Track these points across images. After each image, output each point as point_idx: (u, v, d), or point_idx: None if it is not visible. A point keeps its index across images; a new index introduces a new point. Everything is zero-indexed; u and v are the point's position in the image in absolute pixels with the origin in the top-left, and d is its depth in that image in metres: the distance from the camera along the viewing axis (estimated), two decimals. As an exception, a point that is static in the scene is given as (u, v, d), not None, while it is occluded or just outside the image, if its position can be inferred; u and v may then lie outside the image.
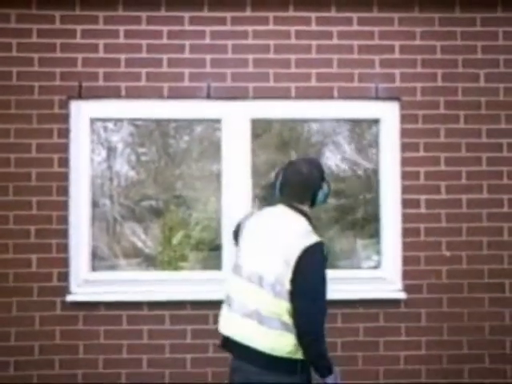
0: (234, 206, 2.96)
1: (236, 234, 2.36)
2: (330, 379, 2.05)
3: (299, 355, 2.03)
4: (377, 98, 3.02)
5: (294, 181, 2.16)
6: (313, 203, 2.19)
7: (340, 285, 2.97)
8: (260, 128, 3.08)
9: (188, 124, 3.12)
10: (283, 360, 2.02)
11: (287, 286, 1.99)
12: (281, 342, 2.01)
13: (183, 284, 2.95)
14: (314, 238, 2.04)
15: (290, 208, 2.16)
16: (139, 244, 3.11)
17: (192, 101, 2.99)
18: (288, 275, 1.98)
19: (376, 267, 3.08)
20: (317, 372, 2.06)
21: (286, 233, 2.08)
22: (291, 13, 3.02)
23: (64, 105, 2.96)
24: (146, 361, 2.91)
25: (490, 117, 3.03)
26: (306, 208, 2.18)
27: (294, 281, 1.98)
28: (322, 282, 2.01)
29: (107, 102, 2.98)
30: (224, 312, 2.20)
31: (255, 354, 2.02)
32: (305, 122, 3.14)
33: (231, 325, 2.13)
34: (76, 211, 2.95)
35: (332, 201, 3.14)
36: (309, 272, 1.99)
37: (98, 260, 3.03)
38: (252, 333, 2.04)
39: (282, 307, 2.00)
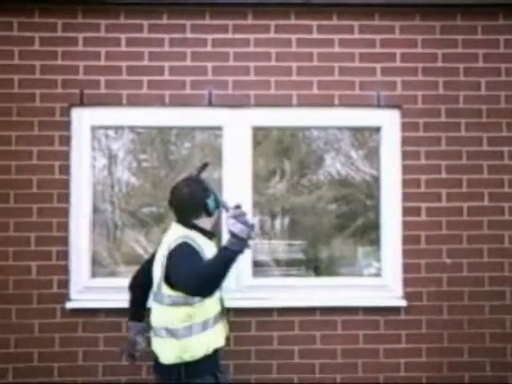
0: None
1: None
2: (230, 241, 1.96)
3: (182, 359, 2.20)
4: (378, 105, 3.03)
5: (181, 202, 2.32)
6: (208, 212, 2.32)
7: (340, 292, 2.98)
8: (261, 135, 3.08)
9: (189, 131, 3.12)
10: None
11: (164, 287, 2.19)
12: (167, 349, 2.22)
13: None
14: (178, 242, 2.19)
15: (178, 223, 2.34)
16: (140, 251, 3.11)
17: (193, 108, 3.00)
18: (162, 278, 2.19)
19: (376, 274, 3.08)
20: (237, 253, 1.97)
21: (163, 247, 2.27)
22: (292, 21, 3.03)
23: (65, 112, 2.96)
24: (145, 368, 2.91)
25: (491, 125, 3.04)
26: (201, 220, 2.33)
27: (169, 277, 2.16)
28: (185, 266, 2.08)
29: (108, 109, 2.98)
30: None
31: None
32: (306, 129, 3.15)
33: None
34: (76, 218, 2.96)
35: (333, 208, 3.15)
36: (174, 265, 2.13)
37: (98, 267, 3.03)
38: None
39: (163, 313, 2.21)
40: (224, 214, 2.22)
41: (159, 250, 2.32)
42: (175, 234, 2.28)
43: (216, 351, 2.29)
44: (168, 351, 2.21)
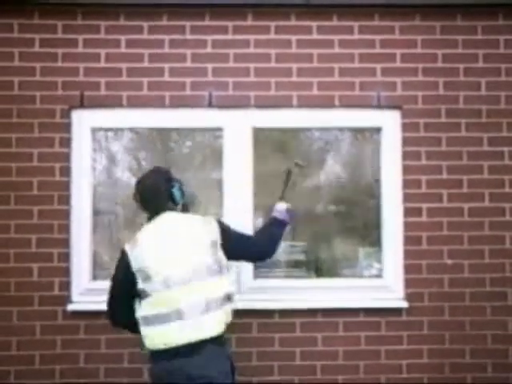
0: (235, 214, 2.96)
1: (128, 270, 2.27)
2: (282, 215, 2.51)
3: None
4: (378, 106, 3.02)
5: (146, 196, 2.33)
6: (174, 202, 2.35)
7: (342, 293, 2.98)
8: (261, 136, 3.08)
9: (190, 133, 3.12)
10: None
11: (223, 259, 2.27)
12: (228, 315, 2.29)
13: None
14: (211, 217, 2.39)
15: (174, 212, 2.35)
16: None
17: (194, 110, 3.00)
18: (219, 250, 2.27)
19: (378, 276, 3.08)
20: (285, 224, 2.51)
21: (191, 227, 2.29)
22: (293, 22, 3.03)
23: (66, 114, 2.96)
24: (146, 370, 2.89)
25: (491, 125, 3.03)
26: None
27: (230, 243, 2.29)
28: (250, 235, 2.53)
29: (109, 111, 2.99)
30: (169, 327, 2.17)
31: (211, 342, 2.19)
32: (306, 130, 3.15)
33: (189, 330, 2.18)
34: (77, 220, 2.96)
35: (333, 209, 3.14)
36: (232, 230, 2.37)
37: (99, 269, 3.03)
38: (213, 321, 2.21)
39: (223, 283, 2.25)
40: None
41: (182, 237, 2.25)
42: (192, 218, 2.35)
43: None
44: (226, 318, 2.25)
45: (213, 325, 2.20)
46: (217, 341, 2.21)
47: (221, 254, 2.27)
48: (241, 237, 2.39)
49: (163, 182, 2.33)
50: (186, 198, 2.44)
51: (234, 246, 2.32)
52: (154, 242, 2.25)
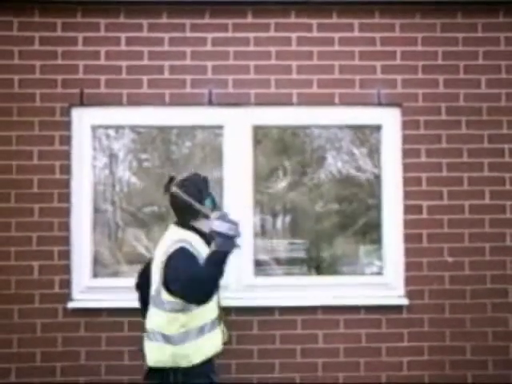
0: (235, 211, 2.95)
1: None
2: (218, 242, 2.04)
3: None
4: (378, 104, 3.02)
5: (173, 204, 2.28)
6: (205, 215, 2.18)
7: (342, 291, 2.98)
8: (261, 134, 3.08)
9: (190, 130, 3.12)
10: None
11: (163, 293, 2.14)
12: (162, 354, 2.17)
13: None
14: (175, 246, 2.14)
15: (176, 225, 2.28)
16: (141, 250, 3.11)
17: (194, 107, 2.99)
18: (161, 283, 2.13)
19: (378, 273, 3.08)
20: (225, 253, 2.06)
21: (160, 250, 2.21)
22: (292, 19, 3.02)
23: (66, 112, 2.96)
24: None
25: (491, 122, 3.03)
26: (199, 222, 2.25)
27: (167, 283, 2.12)
28: (183, 273, 2.08)
29: (109, 109, 2.99)
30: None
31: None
32: (306, 128, 3.14)
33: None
34: (78, 218, 2.96)
35: (334, 207, 3.14)
36: (173, 272, 2.10)
37: (99, 267, 3.03)
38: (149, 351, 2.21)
39: (162, 318, 2.15)
40: (205, 222, 2.18)
41: (156, 254, 2.25)
42: (173, 236, 2.22)
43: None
44: (163, 357, 2.16)
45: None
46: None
47: (160, 288, 2.19)
48: (173, 274, 2.12)
49: (196, 193, 2.22)
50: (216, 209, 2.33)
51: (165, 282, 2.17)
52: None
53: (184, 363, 2.15)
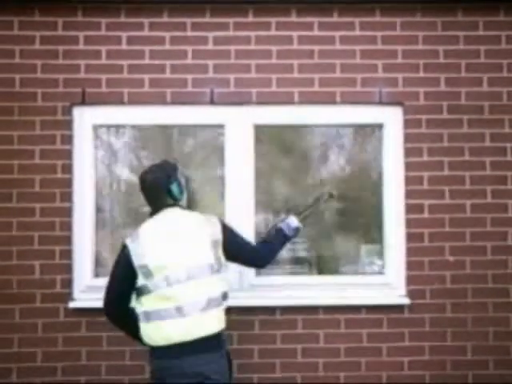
0: (237, 210, 2.96)
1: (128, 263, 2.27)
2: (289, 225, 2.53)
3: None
4: (380, 102, 3.02)
5: (147, 189, 2.35)
6: (173, 198, 2.34)
7: (343, 290, 2.97)
8: (263, 133, 3.07)
9: (191, 130, 3.12)
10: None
11: (222, 258, 2.30)
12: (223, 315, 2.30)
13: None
14: (214, 216, 2.40)
15: (177, 208, 2.35)
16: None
17: (195, 106, 2.99)
18: (220, 249, 2.29)
19: (379, 272, 3.07)
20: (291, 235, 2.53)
21: (193, 225, 2.30)
22: (294, 18, 3.02)
23: (67, 111, 2.96)
24: (148, 367, 2.89)
25: (493, 121, 3.03)
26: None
27: (230, 244, 2.31)
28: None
29: (110, 108, 2.98)
30: (169, 323, 2.18)
31: (209, 340, 2.20)
32: (308, 127, 3.14)
33: (188, 327, 2.18)
34: (79, 217, 2.96)
35: (335, 205, 3.14)
36: (234, 231, 2.39)
37: (101, 266, 3.03)
38: (212, 319, 2.22)
39: (221, 282, 2.27)
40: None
41: (182, 229, 2.26)
42: (196, 214, 2.35)
43: None
44: (220, 319, 2.26)
45: (212, 322, 2.21)
46: (215, 339, 2.22)
47: (221, 254, 2.29)
48: (242, 240, 2.41)
49: (164, 177, 2.32)
50: (188, 195, 2.45)
51: (234, 248, 2.34)
52: (155, 238, 2.25)
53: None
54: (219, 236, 2.29)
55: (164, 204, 2.33)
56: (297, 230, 2.53)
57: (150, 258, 2.20)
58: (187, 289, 2.18)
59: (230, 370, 2.31)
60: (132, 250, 2.22)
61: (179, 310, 2.17)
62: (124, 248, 2.26)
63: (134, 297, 2.28)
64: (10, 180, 2.93)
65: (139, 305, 2.24)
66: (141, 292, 2.22)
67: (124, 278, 2.25)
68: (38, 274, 2.91)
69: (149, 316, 2.20)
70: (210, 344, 2.20)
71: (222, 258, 2.30)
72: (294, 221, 2.55)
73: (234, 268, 2.79)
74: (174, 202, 2.35)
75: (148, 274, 2.19)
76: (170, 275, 2.18)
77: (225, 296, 2.30)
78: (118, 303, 2.30)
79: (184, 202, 2.42)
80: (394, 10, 3.03)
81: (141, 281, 2.20)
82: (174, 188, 2.32)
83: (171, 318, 2.17)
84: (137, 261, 2.20)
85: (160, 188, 2.31)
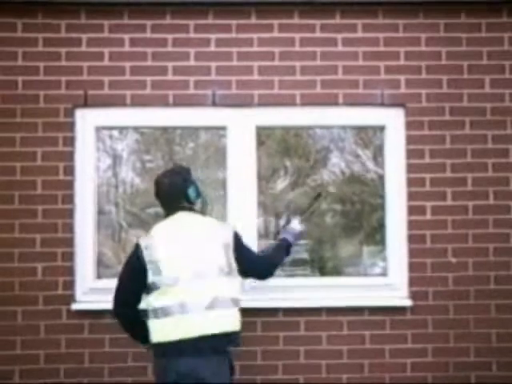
0: (239, 212, 2.96)
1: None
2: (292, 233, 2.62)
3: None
4: (382, 104, 3.02)
5: (163, 194, 2.39)
6: (189, 202, 2.39)
7: (346, 292, 2.97)
8: (265, 135, 3.08)
9: (193, 131, 3.12)
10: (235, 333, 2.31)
11: (234, 263, 2.32)
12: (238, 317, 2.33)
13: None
14: (229, 225, 2.54)
15: (191, 212, 2.39)
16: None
17: (197, 108, 2.99)
18: (232, 254, 2.32)
19: (382, 274, 3.07)
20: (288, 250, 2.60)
21: (206, 227, 2.36)
22: (296, 20, 3.02)
23: (69, 113, 2.96)
24: (151, 369, 2.90)
25: (495, 123, 3.03)
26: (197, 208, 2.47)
27: (236, 251, 2.34)
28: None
29: (112, 110, 2.98)
30: (171, 320, 2.19)
31: (212, 340, 2.19)
32: (310, 129, 3.14)
33: (190, 325, 2.18)
34: (82, 219, 2.95)
35: (338, 207, 3.14)
36: (243, 241, 2.44)
37: (103, 268, 3.03)
38: (217, 319, 2.22)
39: (233, 286, 2.29)
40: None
41: (197, 234, 2.30)
42: (211, 220, 2.44)
43: None
44: (235, 320, 2.29)
45: (216, 323, 2.21)
46: (219, 340, 2.21)
47: (232, 258, 2.32)
48: (248, 251, 2.46)
49: (180, 181, 2.37)
50: (202, 200, 2.50)
51: (240, 257, 2.36)
52: (167, 236, 2.29)
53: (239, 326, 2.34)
54: (230, 241, 2.33)
55: (179, 207, 2.36)
56: (300, 234, 2.62)
57: (160, 255, 2.22)
58: (192, 286, 2.20)
59: (231, 372, 2.30)
60: (143, 246, 2.25)
61: (182, 307, 2.18)
62: (136, 246, 2.29)
63: (144, 297, 2.29)
64: (12, 182, 2.93)
65: (148, 302, 2.25)
66: (150, 289, 2.23)
67: (135, 276, 2.26)
68: (41, 276, 2.91)
69: (156, 313, 2.21)
70: (212, 345, 2.18)
71: (234, 263, 2.32)
72: (296, 225, 2.63)
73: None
74: (190, 206, 2.39)
75: (157, 271, 2.21)
76: (177, 272, 2.20)
77: (235, 301, 2.30)
78: (130, 301, 2.29)
79: (199, 205, 2.46)
80: (397, 12, 3.03)
81: (150, 278, 2.22)
82: (191, 192, 2.37)
83: (174, 315, 2.18)
84: (147, 256, 2.23)
85: (177, 192, 2.36)
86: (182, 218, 2.35)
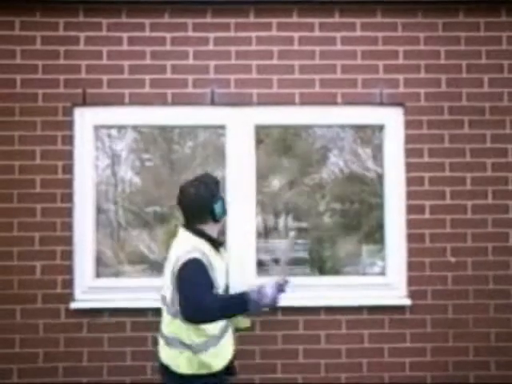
0: (238, 211, 2.95)
1: None
2: (255, 296, 2.05)
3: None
4: (381, 103, 3.02)
5: (186, 204, 2.21)
6: (214, 218, 2.21)
7: (345, 291, 2.97)
8: (264, 134, 3.07)
9: (192, 130, 3.12)
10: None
11: (176, 304, 2.08)
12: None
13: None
14: (188, 256, 2.09)
15: (186, 230, 2.22)
16: (144, 250, 3.11)
17: (196, 107, 2.99)
18: (176, 293, 2.08)
19: (381, 273, 3.07)
20: (246, 312, 2.09)
21: (171, 259, 2.17)
22: (295, 19, 3.02)
23: (68, 112, 2.96)
24: (149, 368, 2.90)
25: (494, 122, 3.02)
26: (208, 226, 2.22)
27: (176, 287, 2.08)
28: (191, 286, 2.05)
29: (111, 108, 2.98)
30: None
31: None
32: (309, 128, 3.14)
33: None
34: (80, 218, 2.95)
35: (337, 207, 3.14)
36: (181, 283, 2.07)
37: (102, 267, 3.03)
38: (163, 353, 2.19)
39: (179, 327, 2.10)
40: (214, 225, 2.25)
41: (167, 263, 2.19)
42: (185, 244, 2.15)
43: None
44: (185, 364, 2.13)
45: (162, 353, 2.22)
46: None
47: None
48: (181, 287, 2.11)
49: (208, 194, 2.19)
50: (225, 215, 2.32)
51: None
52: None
53: (204, 371, 2.13)
54: (176, 270, 2.09)
55: (201, 221, 2.20)
56: (272, 298, 2.09)
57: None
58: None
59: (232, 374, 2.31)
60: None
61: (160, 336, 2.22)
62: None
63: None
64: (11, 180, 2.93)
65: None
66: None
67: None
68: (39, 275, 2.91)
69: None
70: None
71: (176, 303, 2.09)
72: (270, 287, 2.09)
73: (235, 268, 2.79)
74: (210, 222, 2.21)
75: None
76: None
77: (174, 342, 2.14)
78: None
79: (223, 222, 2.32)
80: (395, 11, 3.03)
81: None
82: (218, 207, 2.19)
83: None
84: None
85: (202, 205, 2.18)
86: (177, 238, 2.24)
